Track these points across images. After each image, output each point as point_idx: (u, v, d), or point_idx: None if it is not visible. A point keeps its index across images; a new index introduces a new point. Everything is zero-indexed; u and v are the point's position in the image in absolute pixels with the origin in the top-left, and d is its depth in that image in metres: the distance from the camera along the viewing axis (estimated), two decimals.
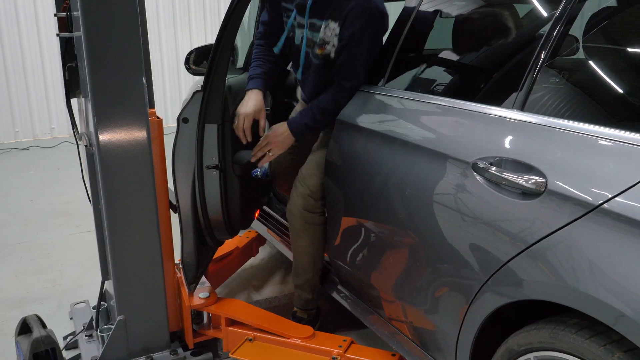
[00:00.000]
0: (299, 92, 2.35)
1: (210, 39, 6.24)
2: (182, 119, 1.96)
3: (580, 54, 1.42)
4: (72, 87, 2.13)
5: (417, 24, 1.90)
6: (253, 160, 2.04)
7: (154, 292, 1.97)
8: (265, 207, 2.61)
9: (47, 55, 5.66)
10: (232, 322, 2.10)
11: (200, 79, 2.38)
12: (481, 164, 1.36)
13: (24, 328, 1.96)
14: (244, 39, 2.95)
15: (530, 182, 1.24)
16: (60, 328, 2.26)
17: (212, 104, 1.91)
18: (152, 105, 1.85)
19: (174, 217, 2.06)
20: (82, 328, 2.24)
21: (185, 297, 2.12)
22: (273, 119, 2.15)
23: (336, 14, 1.89)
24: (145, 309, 1.97)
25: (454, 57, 2.03)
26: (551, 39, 1.35)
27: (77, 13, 1.71)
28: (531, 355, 1.27)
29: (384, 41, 2.01)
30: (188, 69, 2.79)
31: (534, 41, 1.45)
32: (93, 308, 2.27)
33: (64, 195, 4.14)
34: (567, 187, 1.18)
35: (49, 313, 2.48)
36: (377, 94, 1.91)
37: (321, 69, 2.01)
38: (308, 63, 2.06)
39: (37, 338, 1.85)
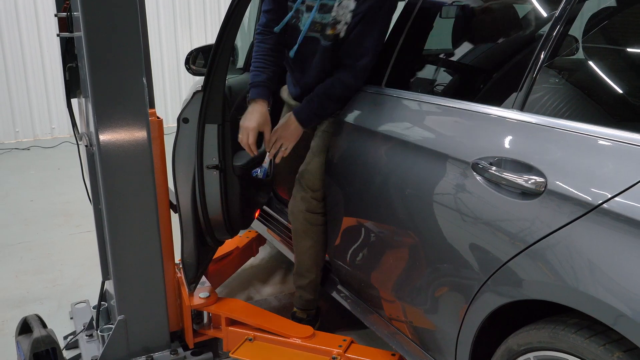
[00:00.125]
0: (284, 91, 2.29)
1: (211, 39, 6.25)
2: (182, 119, 1.96)
3: (580, 54, 1.42)
4: (72, 87, 2.13)
5: (417, 25, 1.90)
6: (270, 158, 2.01)
7: (154, 291, 1.97)
8: (265, 207, 2.61)
9: (48, 56, 5.66)
10: (232, 322, 2.10)
11: (200, 79, 2.38)
12: (481, 164, 1.36)
13: (25, 328, 1.96)
14: (244, 39, 2.95)
15: (530, 182, 1.24)
16: (60, 328, 2.26)
17: (212, 104, 1.91)
18: (152, 106, 1.86)
19: (174, 217, 2.06)
20: (83, 328, 2.24)
21: (186, 297, 2.12)
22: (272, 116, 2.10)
23: None
24: (145, 309, 1.97)
25: (454, 57, 2.03)
26: (551, 39, 1.35)
27: (77, 13, 1.71)
28: (531, 355, 1.28)
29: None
30: (188, 69, 2.80)
31: (533, 41, 1.45)
32: (93, 308, 2.28)
33: (65, 195, 4.14)
34: (566, 187, 1.18)
35: (50, 313, 2.49)
36: (377, 94, 1.91)
37: (329, 52, 1.95)
38: (311, 49, 1.98)
39: (37, 338, 1.85)
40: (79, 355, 2.14)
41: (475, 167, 1.38)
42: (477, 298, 1.38)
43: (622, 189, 1.08)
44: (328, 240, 2.11)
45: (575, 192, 1.16)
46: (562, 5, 1.36)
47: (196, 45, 3.09)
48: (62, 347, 2.07)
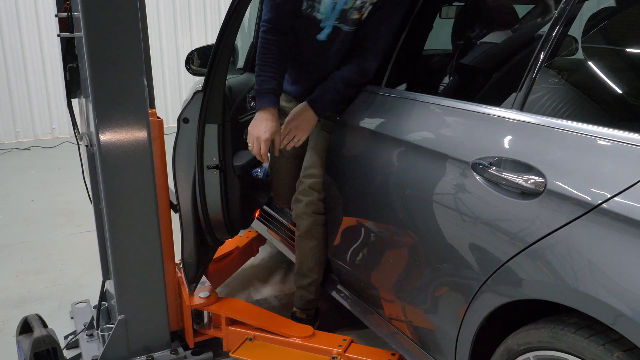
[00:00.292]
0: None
1: (211, 39, 6.25)
2: (182, 119, 1.97)
3: (580, 55, 1.42)
4: (73, 88, 2.13)
5: (417, 25, 1.90)
6: (282, 148, 1.97)
7: (154, 291, 1.97)
8: (265, 207, 2.61)
9: (48, 56, 5.66)
10: (232, 322, 2.10)
11: (200, 79, 2.38)
12: (481, 164, 1.36)
13: (25, 327, 1.97)
14: (244, 39, 2.95)
15: (529, 182, 1.24)
16: (61, 327, 2.26)
17: (213, 104, 1.91)
18: (152, 106, 1.86)
19: (175, 217, 2.06)
20: (83, 327, 2.24)
21: (186, 297, 2.13)
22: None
23: None
24: (145, 309, 1.97)
25: (453, 57, 2.03)
26: (550, 39, 1.35)
27: (77, 14, 1.71)
28: (530, 355, 1.28)
29: None
30: (189, 69, 2.80)
31: (533, 41, 1.45)
32: (94, 307, 2.28)
33: (65, 195, 4.15)
34: (566, 187, 1.18)
35: (50, 312, 2.49)
36: (377, 94, 1.91)
37: (350, 38, 1.91)
38: (331, 38, 1.92)
39: (38, 337, 1.85)
40: (80, 355, 2.14)
41: (475, 167, 1.38)
42: (477, 298, 1.38)
43: (622, 189, 1.08)
44: (328, 240, 2.11)
45: (575, 192, 1.16)
46: (561, 5, 1.36)
47: (196, 45, 3.09)
48: (62, 347, 2.08)
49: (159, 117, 1.93)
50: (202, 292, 2.16)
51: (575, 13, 1.34)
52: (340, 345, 1.94)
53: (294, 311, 2.26)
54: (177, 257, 2.14)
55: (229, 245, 2.64)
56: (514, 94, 1.39)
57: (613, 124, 1.23)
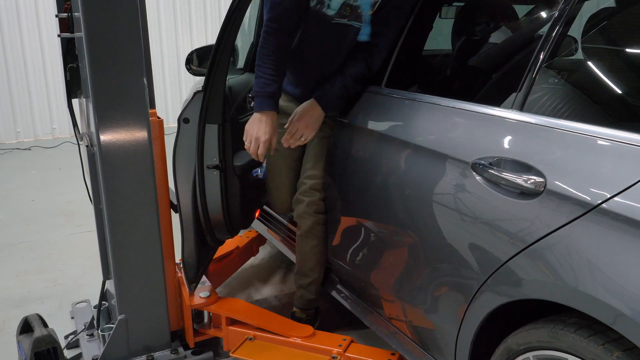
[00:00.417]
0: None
1: (211, 39, 6.25)
2: (182, 119, 1.97)
3: (579, 55, 1.43)
4: (73, 88, 2.14)
5: (417, 25, 1.90)
6: (286, 146, 1.96)
7: (154, 291, 1.97)
8: (265, 207, 2.61)
9: (49, 56, 5.67)
10: (232, 322, 2.10)
11: (200, 80, 2.38)
12: (480, 164, 1.36)
13: (26, 327, 1.97)
14: (244, 40, 2.96)
15: (529, 182, 1.24)
16: (61, 327, 2.26)
17: (213, 104, 1.92)
18: (152, 106, 1.86)
19: (175, 217, 2.07)
20: (83, 327, 2.24)
21: (186, 297, 2.13)
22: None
23: None
24: (146, 308, 1.98)
25: (453, 57, 2.03)
26: (550, 39, 1.35)
27: (78, 14, 1.71)
28: (530, 355, 1.28)
29: None
30: (189, 69, 2.80)
31: (533, 42, 1.45)
32: (94, 307, 2.28)
33: (65, 195, 4.15)
34: (566, 187, 1.18)
35: (50, 312, 2.49)
36: (377, 94, 1.91)
37: (357, 33, 1.88)
38: (338, 37, 1.90)
39: (38, 337, 1.85)
40: (80, 355, 2.14)
41: (474, 167, 1.38)
42: (477, 297, 1.38)
43: (621, 189, 1.09)
44: (328, 240, 2.11)
45: (575, 192, 1.16)
46: (561, 5, 1.36)
47: (197, 45, 3.09)
48: (63, 347, 2.08)
49: (159, 117, 1.93)
50: (202, 292, 2.16)
51: (575, 13, 1.34)
52: (340, 345, 1.94)
53: (293, 311, 2.26)
54: (178, 257, 2.15)
55: (229, 245, 2.64)
56: (513, 94, 1.39)
57: (613, 124, 1.23)
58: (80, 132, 2.13)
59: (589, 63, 1.44)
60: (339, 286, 2.15)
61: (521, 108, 1.36)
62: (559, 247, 1.17)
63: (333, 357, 1.91)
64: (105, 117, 1.75)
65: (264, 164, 2.22)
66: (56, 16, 1.98)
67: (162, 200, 1.94)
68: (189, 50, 2.84)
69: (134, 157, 1.81)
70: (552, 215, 1.19)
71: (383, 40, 1.89)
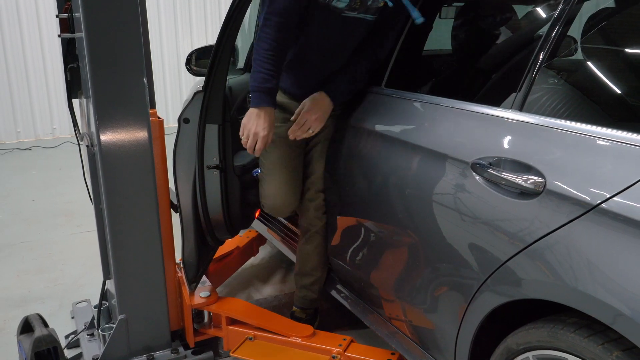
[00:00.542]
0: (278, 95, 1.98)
1: (211, 39, 6.25)
2: (183, 119, 1.97)
3: (579, 55, 1.43)
4: (73, 88, 2.14)
5: (417, 25, 1.90)
6: (292, 139, 1.92)
7: (155, 291, 1.98)
8: None
9: (49, 56, 5.67)
10: (232, 321, 2.11)
11: (201, 80, 2.38)
12: (480, 164, 1.37)
13: (26, 327, 1.97)
14: (244, 40, 2.96)
15: (529, 182, 1.24)
16: (61, 327, 2.26)
17: (213, 104, 1.92)
18: (153, 106, 1.86)
19: (175, 217, 2.07)
20: (84, 327, 2.25)
21: (186, 296, 2.13)
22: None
23: None
24: (146, 308, 1.98)
25: (453, 57, 2.04)
26: (550, 39, 1.35)
27: (78, 14, 1.71)
28: (530, 354, 1.28)
29: None
30: (189, 69, 2.80)
31: (532, 42, 1.45)
32: (94, 307, 2.28)
33: (66, 195, 4.15)
34: (565, 187, 1.18)
35: (51, 312, 2.49)
36: (377, 94, 1.91)
37: (369, 28, 1.87)
38: (348, 31, 1.87)
39: (39, 337, 1.86)
40: (80, 354, 2.15)
41: (474, 167, 1.38)
42: (477, 297, 1.39)
43: (621, 189, 1.09)
44: (328, 240, 2.11)
45: (574, 192, 1.16)
46: (561, 6, 1.36)
47: (197, 45, 3.09)
48: (63, 346, 2.08)
49: (159, 117, 1.93)
50: (202, 291, 2.16)
51: (575, 13, 1.34)
52: (340, 345, 1.94)
53: (293, 310, 2.26)
54: (178, 257, 2.15)
55: (229, 245, 2.64)
56: (513, 94, 1.39)
57: (612, 124, 1.24)
58: (81, 132, 2.13)
59: (589, 63, 1.44)
60: (338, 286, 2.15)
61: (521, 108, 1.37)
62: (559, 247, 1.18)
63: (333, 357, 1.91)
64: (105, 117, 1.75)
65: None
66: (57, 16, 1.98)
67: (162, 200, 1.94)
68: (189, 50, 2.84)
69: (134, 157, 1.81)
70: (552, 215, 1.19)
71: (394, 31, 1.88)
